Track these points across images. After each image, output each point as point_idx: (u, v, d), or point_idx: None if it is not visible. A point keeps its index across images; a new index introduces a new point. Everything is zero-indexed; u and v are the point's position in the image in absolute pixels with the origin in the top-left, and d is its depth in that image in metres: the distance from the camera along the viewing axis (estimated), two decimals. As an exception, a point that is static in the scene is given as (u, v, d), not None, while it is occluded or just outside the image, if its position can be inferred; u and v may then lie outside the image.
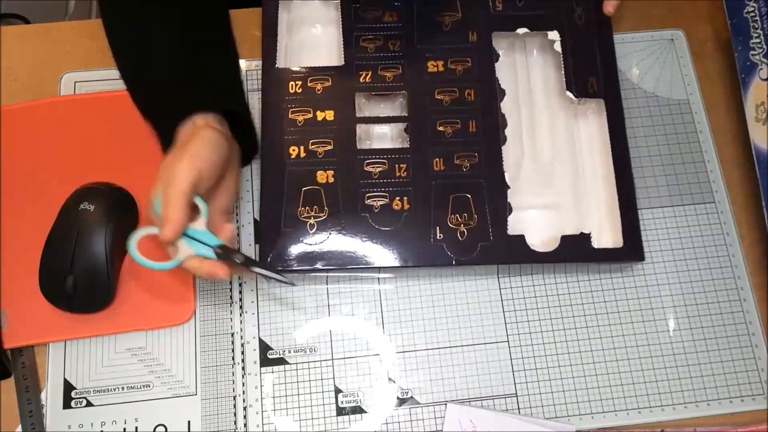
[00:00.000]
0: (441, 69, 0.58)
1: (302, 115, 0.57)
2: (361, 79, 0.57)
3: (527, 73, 0.62)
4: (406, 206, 0.54)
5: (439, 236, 0.54)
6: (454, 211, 0.54)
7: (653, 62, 0.65)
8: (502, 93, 0.59)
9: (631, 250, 0.54)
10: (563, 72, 0.59)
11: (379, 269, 0.54)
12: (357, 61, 0.58)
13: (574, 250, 0.54)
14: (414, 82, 0.58)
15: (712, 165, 0.61)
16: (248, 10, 0.64)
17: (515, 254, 0.54)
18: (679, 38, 0.66)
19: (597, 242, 0.55)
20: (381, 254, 0.53)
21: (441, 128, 0.57)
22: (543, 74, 0.62)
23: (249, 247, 0.57)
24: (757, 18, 0.57)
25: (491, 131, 0.57)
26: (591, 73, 0.59)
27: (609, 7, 0.60)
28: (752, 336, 0.57)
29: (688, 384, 0.55)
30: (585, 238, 0.55)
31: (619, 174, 0.56)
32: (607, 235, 0.57)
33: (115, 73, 0.61)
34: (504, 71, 0.61)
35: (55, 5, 1.25)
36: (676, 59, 0.65)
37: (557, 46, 0.59)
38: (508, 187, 0.55)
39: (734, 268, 0.58)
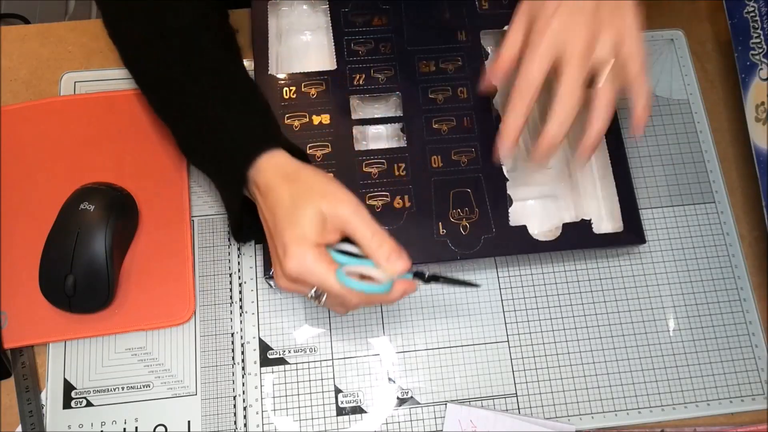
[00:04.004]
0: (432, 69, 0.59)
1: (298, 120, 0.57)
2: (354, 82, 0.58)
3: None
4: (408, 204, 0.55)
5: (442, 232, 0.54)
6: (455, 206, 0.55)
7: (653, 62, 0.65)
8: (494, 89, 0.59)
9: (631, 234, 0.55)
10: None
11: None
12: (349, 64, 0.58)
13: (576, 237, 0.54)
14: (407, 82, 0.58)
15: (712, 165, 0.61)
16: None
17: (518, 245, 0.54)
18: (679, 38, 0.66)
19: (597, 228, 0.55)
20: None
21: (436, 126, 0.57)
22: None
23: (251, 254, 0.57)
24: (757, 18, 0.57)
25: (486, 127, 0.57)
26: None
27: (638, 130, 0.48)
28: (752, 336, 0.57)
29: (688, 384, 0.55)
30: (585, 224, 0.55)
31: (614, 160, 0.57)
32: (607, 220, 0.57)
33: (114, 73, 0.61)
34: None
35: (55, 5, 1.25)
36: (676, 59, 0.65)
37: None
38: (507, 180, 0.55)
39: (734, 268, 0.58)
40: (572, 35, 0.45)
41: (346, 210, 0.44)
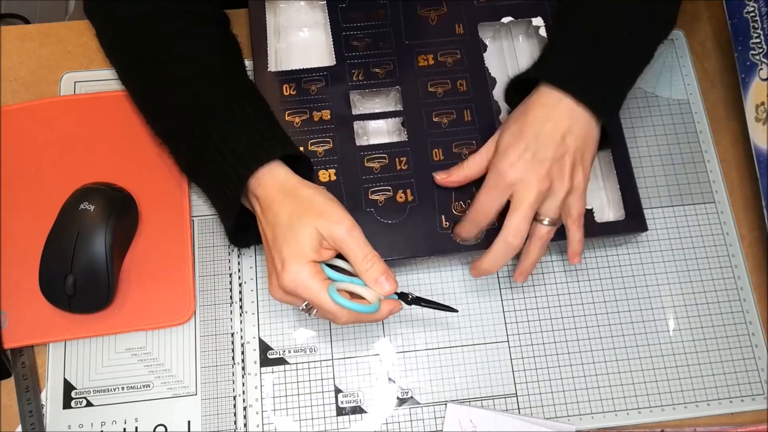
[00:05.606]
0: (431, 62, 0.59)
1: (299, 116, 0.57)
2: (354, 78, 0.58)
3: (515, 59, 0.62)
4: (410, 198, 0.55)
5: (445, 225, 0.54)
6: (457, 199, 0.55)
7: (653, 62, 0.65)
8: (493, 81, 0.59)
9: (633, 222, 0.55)
10: None
11: (389, 262, 0.53)
12: (348, 60, 0.58)
13: None
14: (406, 77, 0.58)
15: (712, 165, 0.61)
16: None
17: None
18: (679, 38, 0.66)
19: (600, 217, 0.56)
20: (389, 247, 0.53)
21: (436, 119, 0.57)
22: (530, 59, 0.62)
23: (253, 253, 0.57)
24: (757, 18, 0.57)
25: (486, 119, 0.57)
26: None
27: (574, 261, 0.53)
28: (752, 336, 0.57)
29: (688, 384, 0.55)
30: (588, 213, 0.55)
31: (615, 149, 0.57)
32: (609, 209, 0.58)
33: (114, 73, 0.61)
34: (493, 60, 0.62)
35: (55, 5, 1.25)
36: (676, 59, 0.65)
37: (542, 32, 0.60)
38: None
39: (734, 268, 0.58)
40: (526, 186, 0.49)
41: (341, 230, 0.46)
